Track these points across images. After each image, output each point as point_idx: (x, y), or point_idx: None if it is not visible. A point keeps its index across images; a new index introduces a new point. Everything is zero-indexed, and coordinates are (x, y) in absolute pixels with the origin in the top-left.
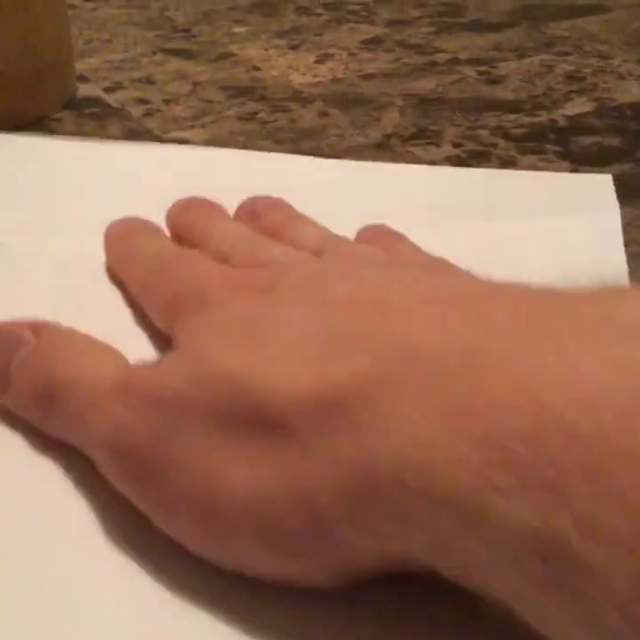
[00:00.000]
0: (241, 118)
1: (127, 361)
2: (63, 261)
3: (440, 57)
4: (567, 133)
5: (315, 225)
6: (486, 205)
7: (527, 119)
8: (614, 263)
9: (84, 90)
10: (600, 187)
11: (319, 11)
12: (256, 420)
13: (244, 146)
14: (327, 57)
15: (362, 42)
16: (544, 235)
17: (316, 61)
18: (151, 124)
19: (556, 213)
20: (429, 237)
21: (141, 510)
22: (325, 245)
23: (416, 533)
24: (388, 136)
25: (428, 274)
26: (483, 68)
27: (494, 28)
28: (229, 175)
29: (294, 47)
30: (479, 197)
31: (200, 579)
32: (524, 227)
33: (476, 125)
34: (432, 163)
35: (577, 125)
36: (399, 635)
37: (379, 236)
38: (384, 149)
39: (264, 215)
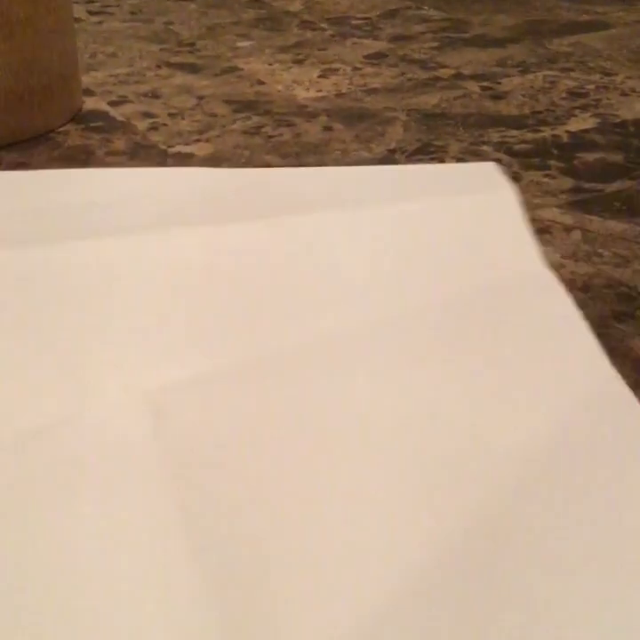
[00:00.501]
0: (245, 132)
1: None
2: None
3: (444, 72)
4: (570, 149)
5: None
6: (392, 193)
7: (530, 135)
8: (516, 232)
9: (90, 103)
10: (487, 171)
11: (323, 25)
12: None
13: (249, 159)
14: (331, 71)
15: (366, 57)
16: (448, 211)
17: (321, 76)
18: (156, 137)
19: (454, 194)
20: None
21: None
22: None
23: None
24: (393, 151)
25: None
26: (486, 84)
27: (498, 43)
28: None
29: (299, 62)
30: (387, 188)
31: None
32: (431, 206)
33: (480, 141)
34: None
35: (580, 141)
36: None
37: None
38: (388, 163)
39: None
